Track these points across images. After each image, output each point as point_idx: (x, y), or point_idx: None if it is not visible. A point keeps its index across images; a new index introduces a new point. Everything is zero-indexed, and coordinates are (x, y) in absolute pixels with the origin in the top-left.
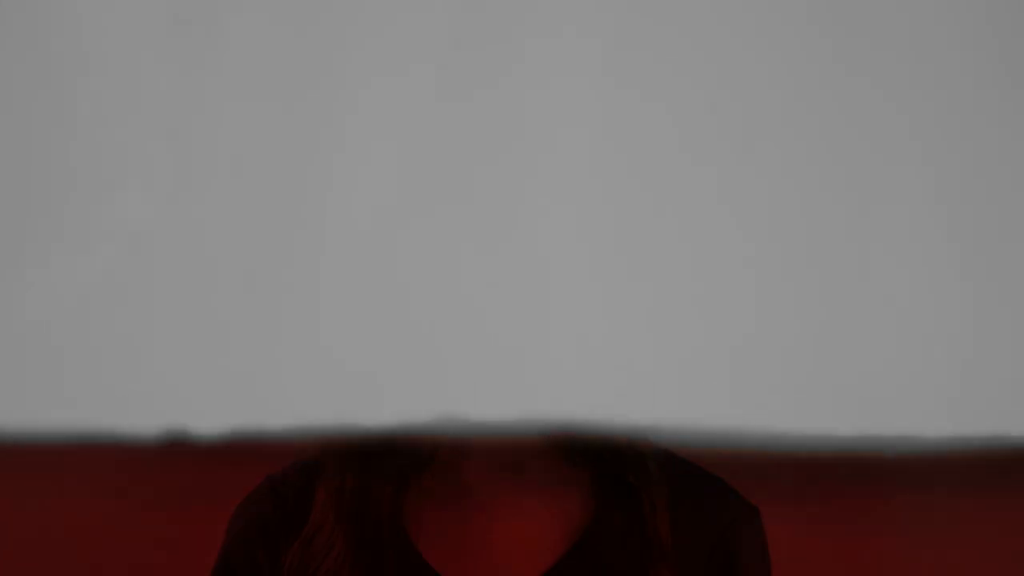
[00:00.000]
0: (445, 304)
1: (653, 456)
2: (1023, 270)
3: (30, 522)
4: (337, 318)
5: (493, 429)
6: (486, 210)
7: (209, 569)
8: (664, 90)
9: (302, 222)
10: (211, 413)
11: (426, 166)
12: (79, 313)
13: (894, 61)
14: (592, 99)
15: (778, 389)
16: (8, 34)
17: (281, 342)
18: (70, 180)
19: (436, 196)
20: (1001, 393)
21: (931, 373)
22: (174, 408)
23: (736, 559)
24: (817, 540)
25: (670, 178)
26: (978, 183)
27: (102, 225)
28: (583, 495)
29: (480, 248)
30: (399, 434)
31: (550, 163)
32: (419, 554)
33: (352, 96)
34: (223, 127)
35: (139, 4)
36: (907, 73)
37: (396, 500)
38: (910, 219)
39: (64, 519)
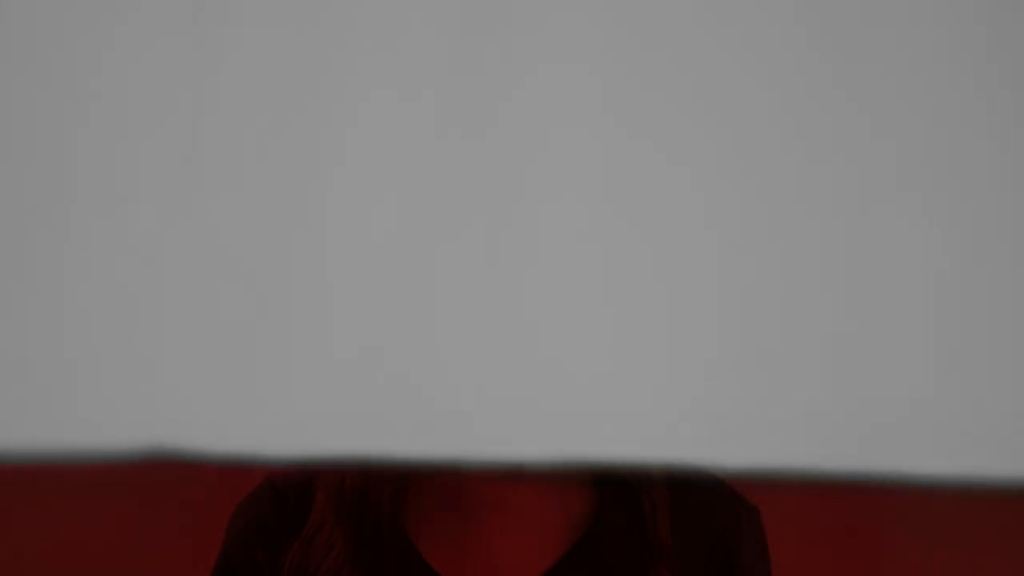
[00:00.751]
0: (458, 335)
1: None
2: None
3: (37, 540)
4: (345, 350)
5: (503, 466)
6: (489, 238)
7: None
8: (664, 118)
9: (306, 242)
10: (216, 432)
11: (432, 190)
12: (86, 326)
13: (895, 61)
14: (595, 114)
15: (784, 427)
16: (13, 41)
17: (291, 363)
18: (74, 189)
19: (439, 218)
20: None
21: (943, 407)
22: (165, 425)
23: (736, 559)
24: (819, 550)
25: (678, 222)
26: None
27: (102, 243)
28: (583, 495)
29: (488, 280)
30: (407, 467)
31: (558, 187)
32: (419, 554)
33: (353, 109)
34: (228, 137)
35: (146, 13)
36: (910, 76)
37: (396, 500)
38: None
39: (81, 536)
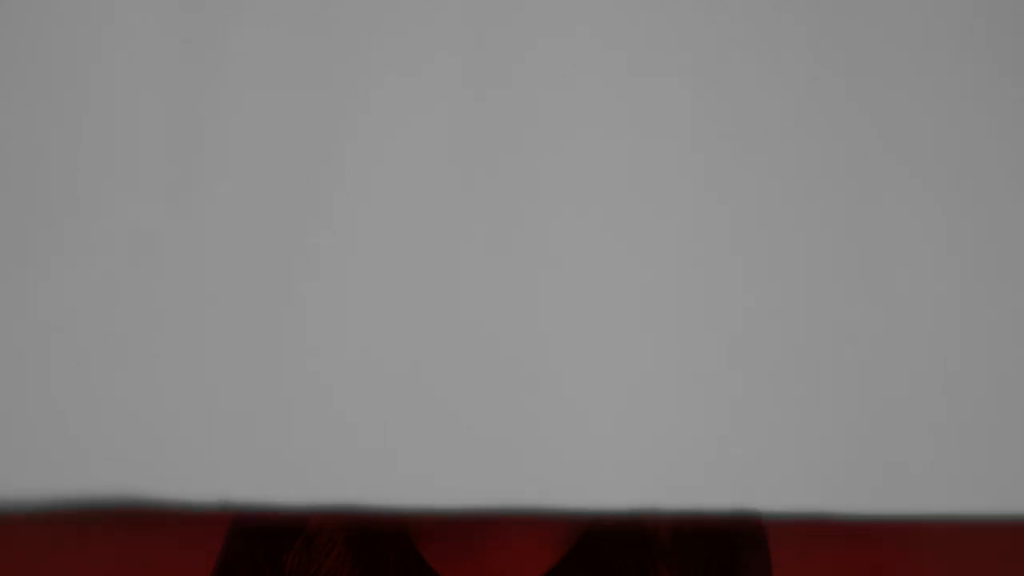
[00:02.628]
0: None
1: None
2: None
3: None
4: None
5: (501, 515)
6: (487, 280)
7: None
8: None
9: (278, 295)
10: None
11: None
12: (47, 373)
13: (897, 62)
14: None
15: (786, 473)
16: (12, 37)
17: (259, 410)
18: (73, 186)
19: (439, 250)
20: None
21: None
22: (131, 472)
23: (737, 559)
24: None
25: (698, 263)
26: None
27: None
28: None
29: (488, 324)
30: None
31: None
32: (419, 554)
33: (365, 97)
34: (230, 131)
35: (144, 6)
36: (914, 76)
37: None
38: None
39: None
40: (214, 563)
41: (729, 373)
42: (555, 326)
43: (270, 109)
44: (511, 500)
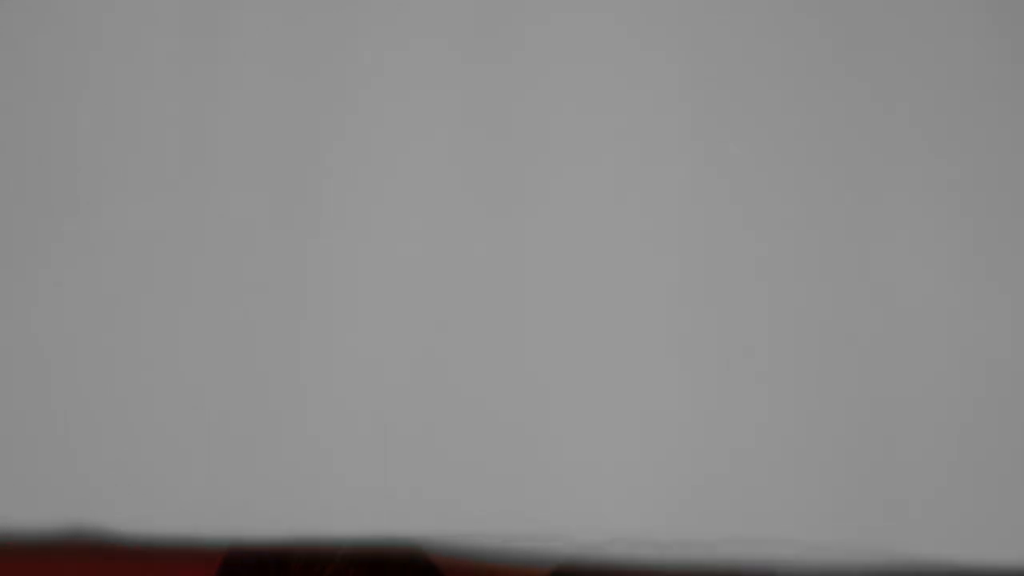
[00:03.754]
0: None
1: None
2: None
3: None
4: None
5: (495, 554)
6: (482, 311)
7: None
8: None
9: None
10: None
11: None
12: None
13: (896, 64)
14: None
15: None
16: (13, 38)
17: (211, 443)
18: (72, 188)
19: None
20: None
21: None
22: (87, 504)
23: None
24: None
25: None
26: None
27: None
28: None
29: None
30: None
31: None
32: (423, 554)
33: (365, 98)
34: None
35: (144, 6)
36: (919, 78)
37: None
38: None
39: None
40: (219, 562)
41: (729, 409)
42: (551, 372)
43: (269, 109)
44: (511, 528)
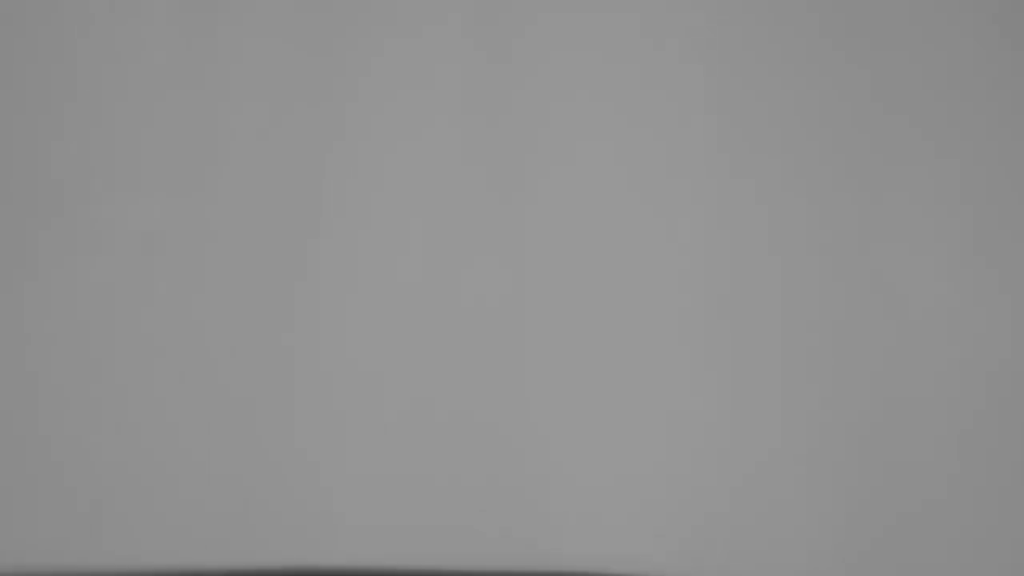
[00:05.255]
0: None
1: None
2: None
3: None
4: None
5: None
6: (483, 336)
7: None
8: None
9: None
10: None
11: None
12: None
13: (898, 63)
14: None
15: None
16: (12, 37)
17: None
18: (72, 188)
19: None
20: None
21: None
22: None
23: None
24: None
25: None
26: None
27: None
28: None
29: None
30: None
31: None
32: None
33: (365, 101)
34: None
35: (145, 8)
36: (923, 80)
37: None
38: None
39: None
40: None
41: (739, 420)
42: (544, 395)
43: (270, 109)
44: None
